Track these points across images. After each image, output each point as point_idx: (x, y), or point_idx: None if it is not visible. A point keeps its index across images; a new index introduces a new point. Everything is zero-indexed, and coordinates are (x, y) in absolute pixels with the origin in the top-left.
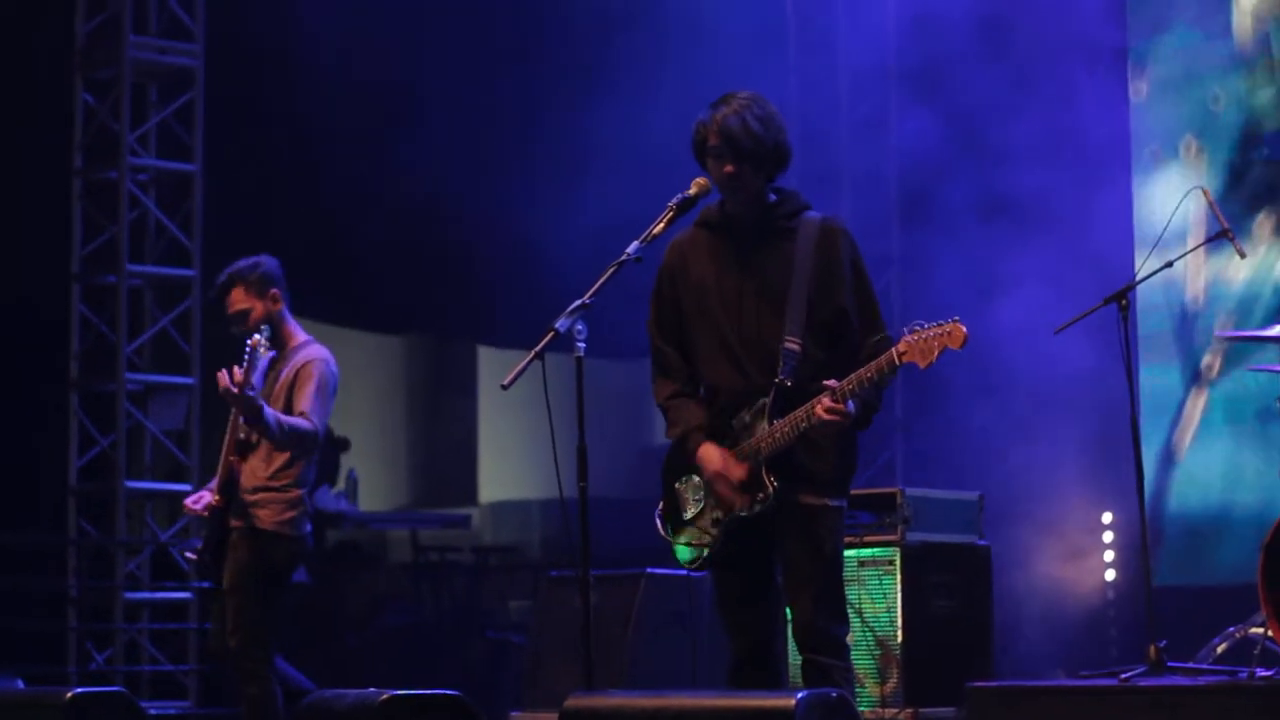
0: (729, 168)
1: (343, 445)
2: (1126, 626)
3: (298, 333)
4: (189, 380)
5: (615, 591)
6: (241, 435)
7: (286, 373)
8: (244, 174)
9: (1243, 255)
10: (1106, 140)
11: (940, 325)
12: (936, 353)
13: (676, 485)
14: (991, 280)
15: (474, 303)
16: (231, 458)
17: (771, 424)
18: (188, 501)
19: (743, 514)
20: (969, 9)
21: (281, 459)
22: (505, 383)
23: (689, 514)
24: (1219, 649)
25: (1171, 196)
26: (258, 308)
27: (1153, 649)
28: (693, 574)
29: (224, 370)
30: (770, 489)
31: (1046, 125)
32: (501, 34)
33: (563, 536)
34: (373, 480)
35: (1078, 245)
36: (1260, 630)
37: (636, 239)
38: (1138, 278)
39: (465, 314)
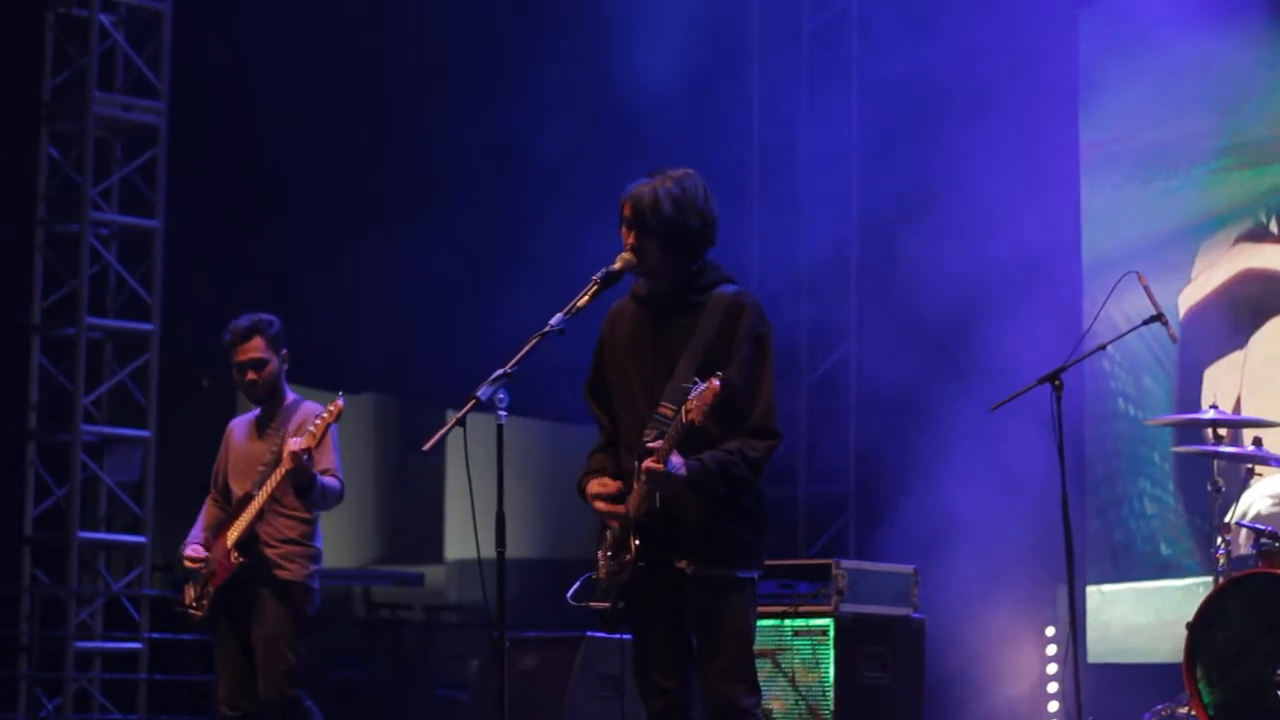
0: (631, 239)
1: None
2: (1067, 702)
3: (289, 391)
4: (145, 433)
5: (555, 654)
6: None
7: (293, 429)
8: (206, 230)
9: (1174, 339)
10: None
11: (706, 383)
12: (701, 408)
13: (598, 552)
14: (940, 348)
15: (440, 364)
16: (260, 522)
17: (634, 486)
18: (188, 552)
19: (622, 580)
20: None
21: (303, 515)
22: (426, 447)
23: (602, 577)
24: None
25: None
26: (273, 361)
27: None
28: (622, 638)
29: (297, 438)
30: (634, 549)
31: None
32: (478, 87)
33: (524, 597)
34: (338, 537)
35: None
36: (1185, 709)
37: (560, 311)
38: (1071, 360)
39: (432, 375)
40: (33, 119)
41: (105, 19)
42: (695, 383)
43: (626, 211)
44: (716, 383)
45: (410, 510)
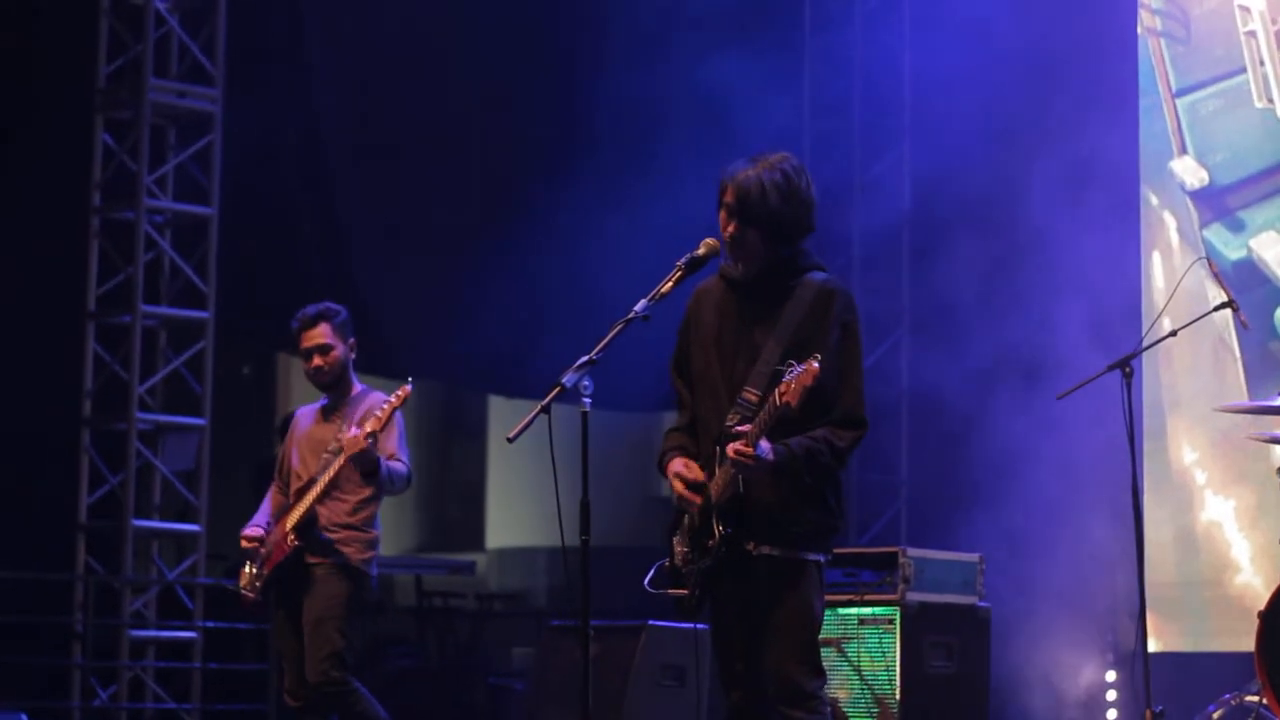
0: (732, 227)
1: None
2: (1126, 691)
3: (357, 382)
4: (200, 421)
5: (616, 643)
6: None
7: (360, 416)
8: (260, 218)
9: (1246, 326)
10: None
11: (805, 365)
12: (799, 391)
13: (674, 538)
14: (1002, 342)
15: (486, 351)
16: (319, 505)
17: (718, 471)
18: (247, 531)
19: (704, 565)
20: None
21: (361, 500)
22: (511, 435)
23: (679, 563)
24: (1214, 715)
25: None
26: (339, 348)
27: (1149, 714)
28: (697, 627)
29: (355, 427)
30: (718, 535)
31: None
32: (526, 76)
33: (567, 585)
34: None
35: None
36: (1255, 698)
37: (644, 298)
38: (1141, 347)
39: (477, 362)
40: (88, 106)
41: (160, 5)
42: (792, 366)
43: (728, 198)
44: (815, 364)
45: (451, 498)
